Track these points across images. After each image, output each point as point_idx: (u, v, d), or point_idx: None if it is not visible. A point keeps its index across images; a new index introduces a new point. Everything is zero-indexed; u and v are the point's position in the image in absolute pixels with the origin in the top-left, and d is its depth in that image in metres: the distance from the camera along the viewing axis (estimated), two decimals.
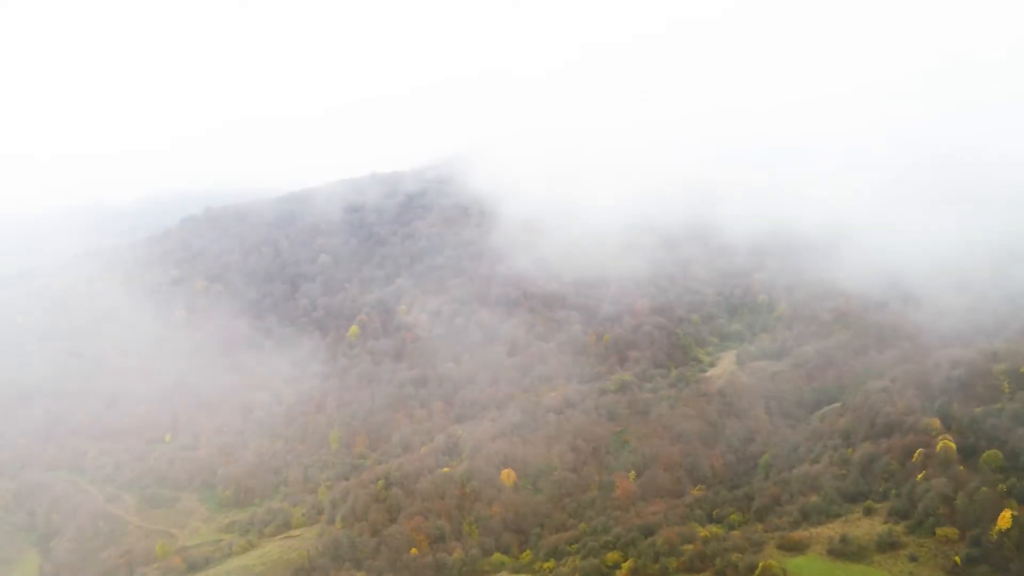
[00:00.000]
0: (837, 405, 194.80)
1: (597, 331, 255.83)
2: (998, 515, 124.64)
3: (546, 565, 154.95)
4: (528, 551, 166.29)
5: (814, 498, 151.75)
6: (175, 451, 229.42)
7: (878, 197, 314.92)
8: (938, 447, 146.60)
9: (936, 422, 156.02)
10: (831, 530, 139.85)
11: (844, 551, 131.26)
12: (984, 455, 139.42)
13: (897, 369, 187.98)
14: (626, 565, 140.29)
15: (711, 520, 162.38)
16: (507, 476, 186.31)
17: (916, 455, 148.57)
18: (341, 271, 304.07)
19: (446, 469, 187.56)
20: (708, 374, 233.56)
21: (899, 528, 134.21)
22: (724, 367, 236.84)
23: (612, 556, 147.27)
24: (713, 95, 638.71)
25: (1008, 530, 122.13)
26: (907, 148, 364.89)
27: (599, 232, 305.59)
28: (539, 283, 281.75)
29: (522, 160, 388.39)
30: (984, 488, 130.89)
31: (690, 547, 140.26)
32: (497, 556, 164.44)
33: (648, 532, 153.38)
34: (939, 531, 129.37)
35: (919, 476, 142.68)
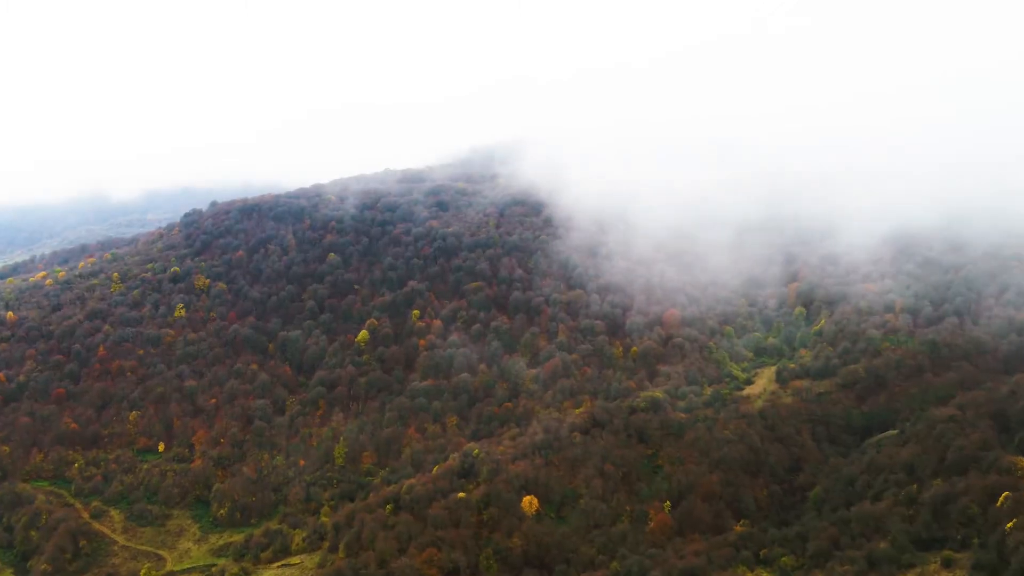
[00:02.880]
0: (894, 433, 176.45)
1: (624, 342, 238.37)
2: None
3: None
4: None
5: (882, 544, 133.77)
6: (168, 463, 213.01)
7: None
8: None
9: (1021, 461, 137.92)
10: None
11: None
12: None
13: (965, 396, 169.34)
14: None
15: (759, 562, 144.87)
16: (529, 503, 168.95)
17: (1001, 499, 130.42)
18: (351, 272, 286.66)
19: (462, 494, 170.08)
20: (745, 392, 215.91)
21: None
22: (763, 385, 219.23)
23: None
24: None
25: None
26: None
27: (630, 237, 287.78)
28: (562, 288, 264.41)
29: (552, 162, 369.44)
30: None
31: None
32: None
33: None
34: None
35: (1008, 524, 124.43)
